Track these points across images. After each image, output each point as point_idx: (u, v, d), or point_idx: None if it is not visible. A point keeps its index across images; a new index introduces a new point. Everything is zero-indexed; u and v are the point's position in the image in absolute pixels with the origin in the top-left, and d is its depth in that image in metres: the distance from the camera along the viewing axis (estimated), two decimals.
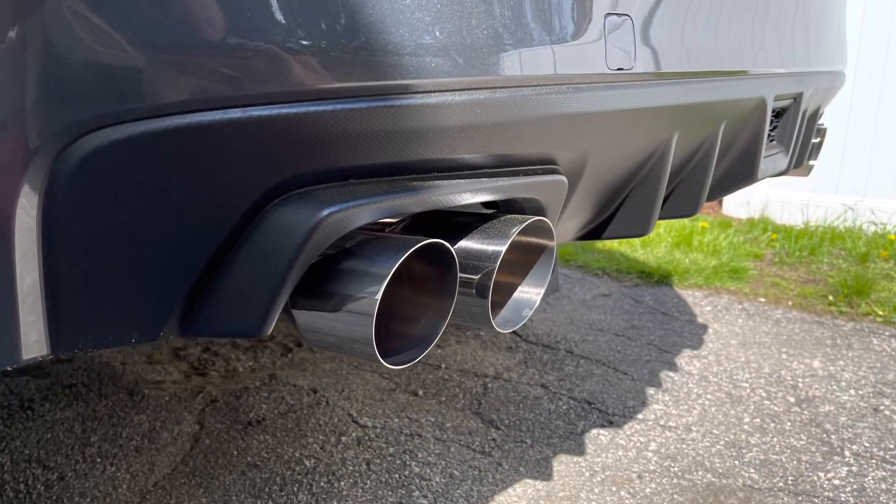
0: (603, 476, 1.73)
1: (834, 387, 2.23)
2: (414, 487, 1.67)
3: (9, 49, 0.65)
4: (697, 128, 1.32)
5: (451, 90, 0.81)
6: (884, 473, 1.77)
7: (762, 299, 3.01)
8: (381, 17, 0.75)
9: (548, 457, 1.80)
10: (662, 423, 1.98)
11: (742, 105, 1.39)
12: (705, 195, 1.44)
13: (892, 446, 1.89)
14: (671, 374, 2.29)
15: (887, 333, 2.67)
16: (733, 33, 1.30)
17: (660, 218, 1.39)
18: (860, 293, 2.96)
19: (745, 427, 1.97)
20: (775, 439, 1.91)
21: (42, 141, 0.67)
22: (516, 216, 0.99)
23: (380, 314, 0.80)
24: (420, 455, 1.79)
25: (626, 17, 1.02)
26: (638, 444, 1.87)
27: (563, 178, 1.05)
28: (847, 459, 1.83)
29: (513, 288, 1.06)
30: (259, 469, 1.72)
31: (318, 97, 0.75)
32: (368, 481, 1.68)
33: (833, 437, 1.93)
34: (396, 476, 1.71)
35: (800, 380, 2.27)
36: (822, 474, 1.76)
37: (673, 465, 1.78)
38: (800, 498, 1.66)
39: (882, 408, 2.10)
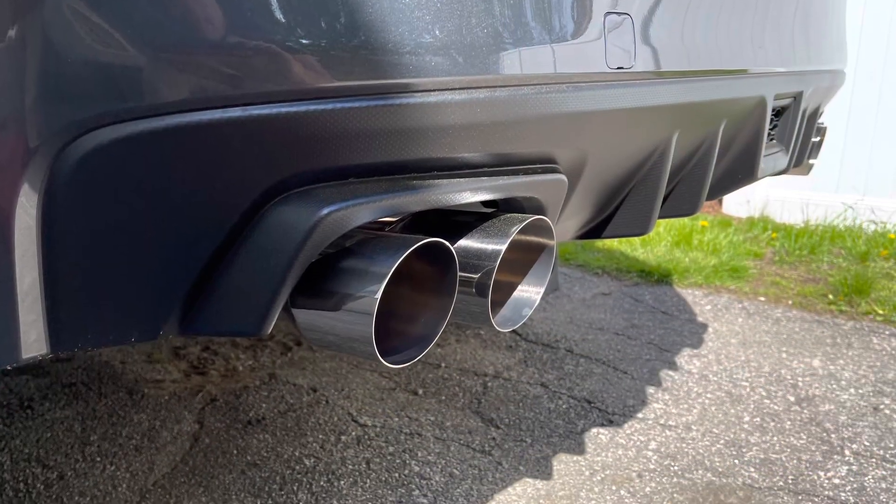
0: (603, 475, 1.73)
1: (834, 386, 2.23)
2: (414, 486, 1.67)
3: (9, 48, 0.65)
4: (697, 127, 1.32)
5: (451, 89, 0.81)
6: (884, 472, 1.77)
7: (762, 298, 3.01)
8: (381, 16, 0.75)
9: (547, 456, 1.80)
10: (662, 422, 1.98)
11: (742, 104, 1.39)
12: (705, 194, 1.44)
13: (892, 445, 1.89)
14: (671, 372, 2.29)
15: (887, 332, 2.67)
16: (733, 32, 1.30)
17: (660, 217, 1.39)
18: (860, 292, 2.96)
19: (745, 426, 1.97)
20: (775, 438, 1.91)
21: (42, 140, 0.67)
22: (516, 215, 0.99)
23: (379, 313, 0.80)
24: (420, 454, 1.79)
25: (626, 15, 1.02)
26: (638, 443, 1.87)
27: (563, 177, 1.05)
28: (847, 458, 1.83)
29: (513, 287, 1.06)
30: (259, 468, 1.72)
31: (318, 96, 0.75)
32: (368, 480, 1.68)
33: (833, 436, 1.93)
34: (396, 475, 1.71)
35: (800, 379, 2.27)
36: (821, 473, 1.76)
37: (673, 464, 1.78)
38: (800, 497, 1.67)
39: (882, 407, 2.10)
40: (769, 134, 1.64)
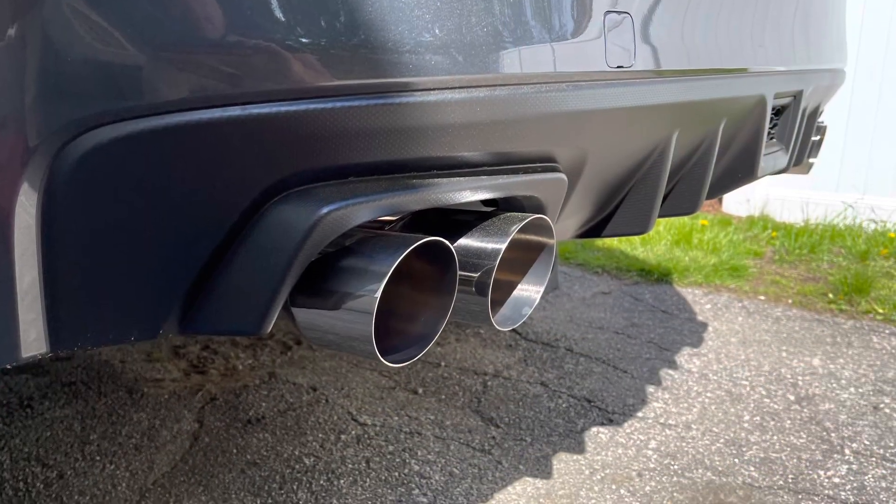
0: (603, 474, 1.73)
1: (834, 385, 2.23)
2: (413, 485, 1.67)
3: (8, 47, 0.65)
4: (697, 125, 1.32)
5: (451, 88, 0.81)
6: (884, 471, 1.77)
7: (762, 297, 3.01)
8: (381, 15, 0.75)
9: (547, 455, 1.80)
10: (662, 421, 1.98)
11: (742, 103, 1.39)
12: (705, 193, 1.44)
13: (892, 444, 1.89)
14: (671, 372, 2.29)
15: (887, 331, 2.67)
16: (733, 31, 1.30)
17: (660, 216, 1.39)
18: (860, 291, 2.96)
19: (745, 425, 1.97)
20: (775, 437, 1.91)
21: (41, 139, 0.67)
22: (516, 214, 0.99)
23: (379, 312, 0.80)
24: (419, 453, 1.79)
25: (626, 14, 1.02)
26: (638, 442, 1.87)
27: (563, 176, 1.05)
28: (847, 457, 1.83)
29: (512, 286, 1.06)
30: (258, 467, 1.72)
31: (318, 95, 0.75)
32: (368, 479, 1.68)
33: (833, 435, 1.93)
34: (396, 474, 1.71)
35: (800, 378, 2.27)
36: (821, 472, 1.76)
37: (673, 463, 1.78)
38: (800, 496, 1.67)
39: (882, 406, 2.10)
40: (769, 133, 1.64)
